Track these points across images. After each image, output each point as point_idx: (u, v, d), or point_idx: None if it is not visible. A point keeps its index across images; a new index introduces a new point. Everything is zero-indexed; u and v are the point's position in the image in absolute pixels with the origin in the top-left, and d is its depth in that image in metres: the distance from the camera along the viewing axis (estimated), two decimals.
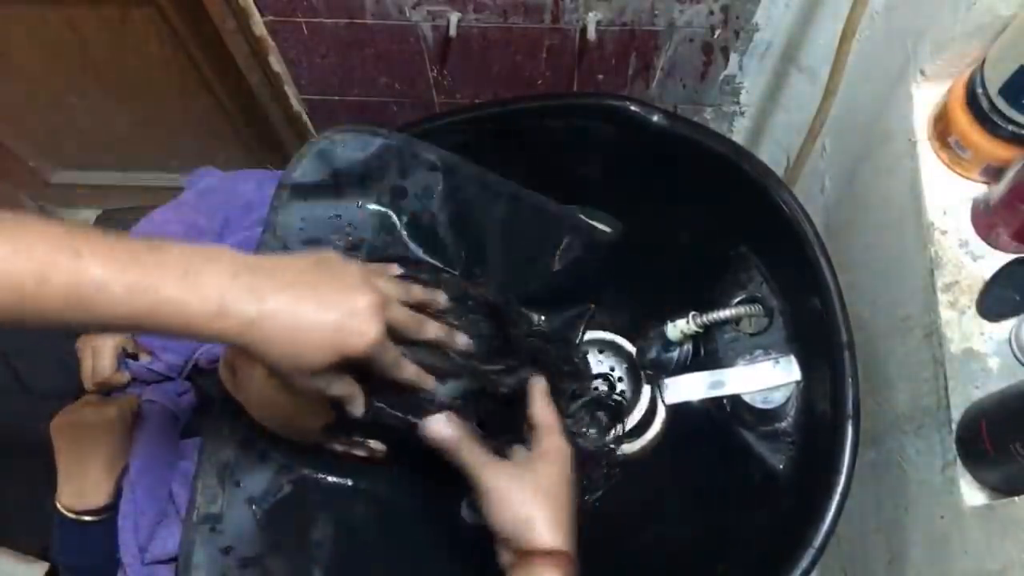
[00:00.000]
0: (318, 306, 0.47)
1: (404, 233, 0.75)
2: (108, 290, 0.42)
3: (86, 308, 0.42)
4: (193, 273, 0.44)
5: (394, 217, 0.75)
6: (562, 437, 0.60)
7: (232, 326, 0.45)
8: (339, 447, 0.66)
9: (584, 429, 0.81)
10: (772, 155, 1.12)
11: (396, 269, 0.61)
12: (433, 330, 0.57)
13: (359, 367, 0.51)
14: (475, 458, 0.57)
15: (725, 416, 0.81)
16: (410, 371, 0.55)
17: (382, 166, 0.72)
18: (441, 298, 0.60)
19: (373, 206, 0.74)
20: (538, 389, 0.64)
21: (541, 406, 0.62)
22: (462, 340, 0.59)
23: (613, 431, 0.83)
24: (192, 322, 0.44)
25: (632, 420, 0.85)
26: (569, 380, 0.79)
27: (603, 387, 0.86)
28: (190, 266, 0.44)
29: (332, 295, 0.48)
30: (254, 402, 0.62)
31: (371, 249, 0.74)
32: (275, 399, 0.61)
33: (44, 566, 0.85)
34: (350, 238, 0.73)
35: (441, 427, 0.57)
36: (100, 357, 0.76)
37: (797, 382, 0.77)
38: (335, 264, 0.50)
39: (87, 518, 0.69)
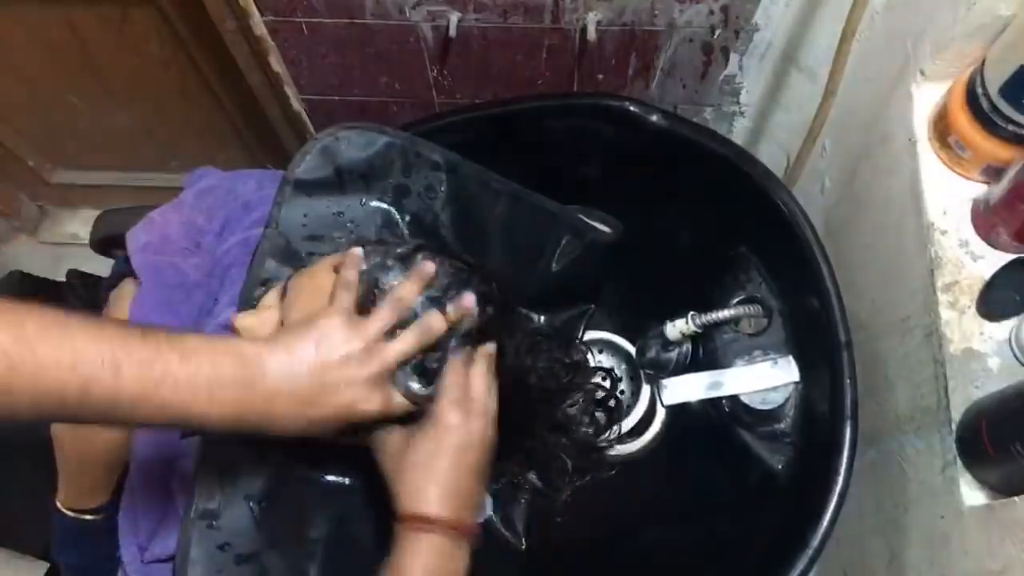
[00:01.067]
0: (324, 402, 0.52)
1: (406, 231, 0.75)
2: (141, 408, 0.46)
3: (119, 419, 0.46)
4: (218, 392, 0.48)
5: (396, 215, 0.75)
6: (451, 409, 0.56)
7: (251, 426, 0.51)
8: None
9: (583, 428, 0.81)
10: (772, 155, 1.12)
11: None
12: (436, 325, 0.57)
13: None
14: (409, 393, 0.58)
15: (724, 416, 0.81)
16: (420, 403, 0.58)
17: (386, 164, 0.72)
18: (428, 268, 0.58)
19: (376, 203, 0.74)
20: (480, 353, 0.60)
21: (450, 376, 0.58)
22: (467, 302, 0.58)
23: (612, 431, 0.83)
24: (212, 429, 0.50)
25: (631, 420, 0.85)
26: (567, 374, 0.79)
27: (603, 384, 0.86)
28: (214, 382, 0.48)
29: (333, 385, 0.52)
30: None
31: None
32: None
33: (44, 566, 0.85)
34: (352, 235, 0.73)
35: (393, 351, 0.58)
36: None
37: (796, 383, 0.78)
38: (332, 340, 0.53)
39: (87, 517, 0.69)
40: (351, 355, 0.52)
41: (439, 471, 0.55)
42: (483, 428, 0.57)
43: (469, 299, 0.58)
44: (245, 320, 0.62)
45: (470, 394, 0.58)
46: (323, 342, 0.52)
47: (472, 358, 0.59)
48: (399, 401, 0.56)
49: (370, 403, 0.53)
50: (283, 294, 0.63)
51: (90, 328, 0.45)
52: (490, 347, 0.61)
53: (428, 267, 0.58)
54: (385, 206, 0.75)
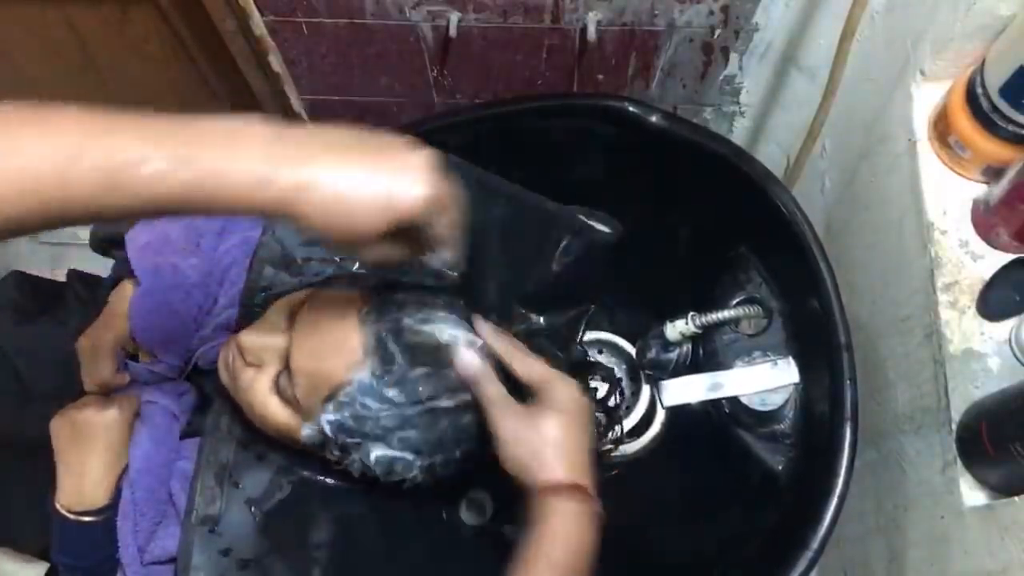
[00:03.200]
0: (366, 166, 0.44)
1: None
2: (147, 165, 0.39)
3: (123, 188, 0.39)
4: (233, 140, 0.41)
5: None
6: (564, 379, 0.59)
7: (275, 195, 0.42)
8: None
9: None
10: (772, 155, 1.12)
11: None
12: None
13: (410, 236, 0.48)
14: (493, 395, 0.57)
15: (724, 417, 0.81)
16: (459, 248, 0.52)
17: None
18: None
19: None
20: (505, 353, 0.61)
21: (521, 363, 0.60)
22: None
23: (612, 432, 0.83)
24: (235, 193, 0.41)
25: (631, 421, 0.85)
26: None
27: (602, 387, 0.86)
28: (229, 134, 0.41)
29: (379, 154, 0.45)
30: (254, 411, 0.63)
31: None
32: (275, 411, 0.61)
33: (44, 566, 0.85)
34: None
35: (470, 358, 0.58)
36: (101, 358, 0.76)
37: (796, 384, 0.77)
38: (380, 131, 0.47)
39: (87, 518, 0.69)
40: (399, 141, 0.46)
41: (575, 442, 0.56)
42: (585, 394, 0.60)
43: None
44: (249, 338, 0.62)
45: (551, 368, 0.60)
46: (367, 129, 0.47)
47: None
48: (450, 191, 0.48)
49: (419, 180, 0.45)
50: (291, 316, 0.62)
51: (79, 107, 0.40)
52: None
53: None
54: None
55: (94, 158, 0.38)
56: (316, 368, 0.58)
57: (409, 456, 0.60)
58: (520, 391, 0.60)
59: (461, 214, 0.50)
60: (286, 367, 0.60)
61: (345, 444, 0.60)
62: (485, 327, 0.62)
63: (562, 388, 0.59)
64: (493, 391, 0.58)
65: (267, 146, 0.42)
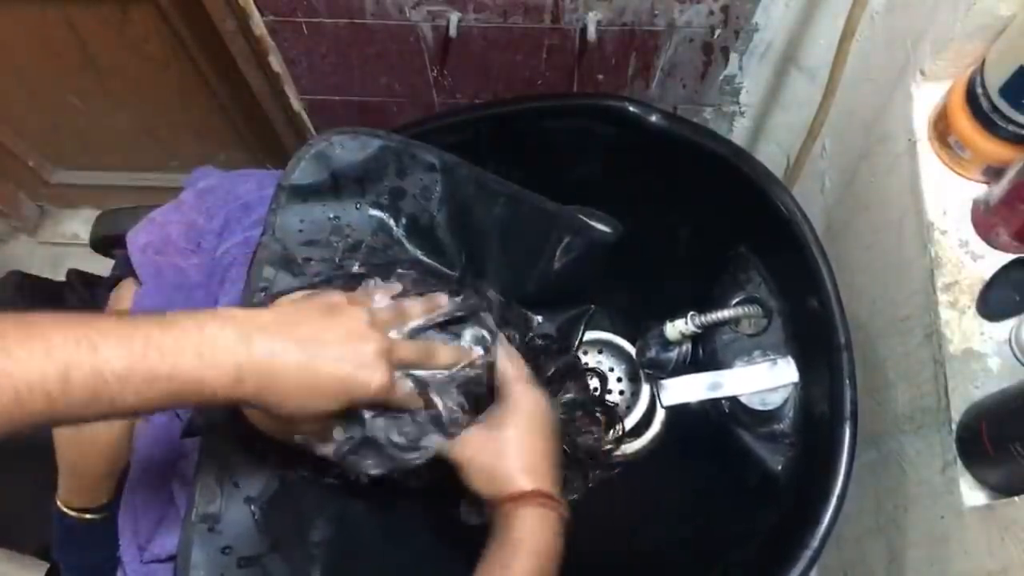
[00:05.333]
0: (328, 361, 0.49)
1: (403, 234, 0.75)
2: (129, 381, 0.43)
3: (108, 401, 0.42)
4: (208, 350, 0.45)
5: (392, 219, 0.75)
6: (527, 385, 0.60)
7: (250, 391, 0.47)
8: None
9: (583, 429, 0.80)
10: (772, 155, 1.12)
11: (396, 287, 0.61)
12: (444, 357, 0.58)
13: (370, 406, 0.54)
14: (443, 447, 0.58)
15: (724, 417, 0.81)
16: (418, 403, 0.57)
17: (380, 167, 0.72)
18: (442, 300, 0.60)
19: (371, 207, 0.74)
20: (502, 339, 0.63)
21: (502, 358, 0.61)
22: (475, 353, 0.60)
23: (612, 431, 0.83)
24: (211, 396, 0.46)
25: (631, 420, 0.85)
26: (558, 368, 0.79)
27: (597, 384, 0.86)
28: (203, 342, 0.45)
29: (340, 347, 0.50)
30: (253, 415, 0.63)
31: (369, 251, 0.74)
32: (272, 418, 0.61)
33: (44, 566, 0.85)
34: (349, 239, 0.73)
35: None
36: None
37: (795, 383, 0.77)
38: (342, 312, 0.52)
39: (87, 517, 0.69)
40: (357, 319, 0.52)
41: (536, 448, 0.57)
42: (546, 399, 0.61)
43: (476, 352, 0.60)
44: None
45: (524, 370, 0.61)
46: (328, 307, 0.52)
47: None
48: (404, 388, 0.55)
49: (375, 373, 0.51)
50: None
51: (58, 318, 0.43)
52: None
53: (441, 298, 0.60)
54: (380, 212, 0.75)
55: (80, 380, 0.41)
56: None
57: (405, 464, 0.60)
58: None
59: (409, 396, 0.56)
60: None
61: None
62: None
63: (524, 393, 0.59)
64: (503, 364, 0.60)
65: (240, 350, 0.46)
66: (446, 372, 0.58)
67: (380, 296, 0.59)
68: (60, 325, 0.42)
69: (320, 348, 0.49)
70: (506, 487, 0.55)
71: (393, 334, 0.56)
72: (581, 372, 0.85)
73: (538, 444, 0.58)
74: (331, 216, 0.72)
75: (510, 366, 0.61)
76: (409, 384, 0.56)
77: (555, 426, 0.60)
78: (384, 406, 0.55)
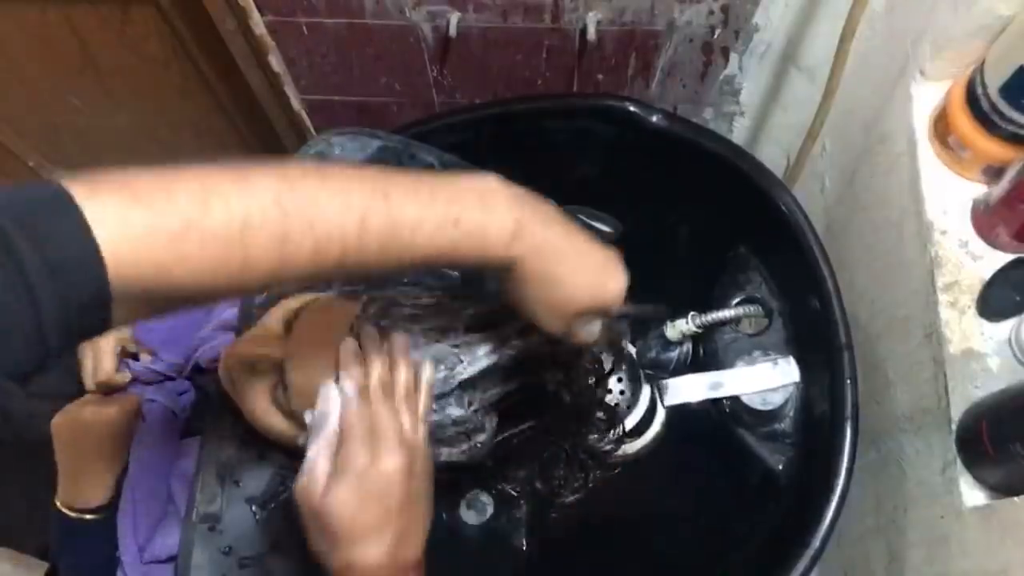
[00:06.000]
0: (586, 246, 0.50)
1: None
2: (420, 228, 0.43)
3: (400, 247, 0.43)
4: (488, 200, 0.46)
5: None
6: (358, 448, 0.51)
7: (526, 248, 0.47)
8: None
9: (590, 435, 0.80)
10: (772, 155, 1.12)
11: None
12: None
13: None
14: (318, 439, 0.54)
15: (724, 417, 0.81)
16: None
17: None
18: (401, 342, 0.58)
19: None
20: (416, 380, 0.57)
21: (356, 410, 0.53)
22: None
23: (613, 431, 0.83)
24: (492, 247, 0.46)
25: (632, 420, 0.85)
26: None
27: (595, 382, 0.86)
28: (486, 194, 0.46)
29: (591, 243, 0.51)
30: (254, 417, 0.63)
31: None
32: (272, 420, 0.61)
33: (44, 566, 0.85)
34: None
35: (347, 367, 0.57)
36: (101, 357, 0.76)
37: (796, 383, 0.77)
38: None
39: (87, 517, 0.69)
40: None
41: (371, 517, 0.50)
42: (399, 462, 0.51)
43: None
44: (246, 349, 0.63)
45: (377, 430, 0.52)
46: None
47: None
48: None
49: (622, 276, 0.53)
50: (289, 324, 0.63)
51: (349, 169, 0.43)
52: (428, 372, 0.57)
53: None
54: None
55: (379, 221, 0.42)
56: (310, 384, 0.58)
57: None
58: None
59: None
60: (282, 379, 0.60)
61: None
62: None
63: (361, 454, 0.51)
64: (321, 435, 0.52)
65: (515, 205, 0.47)
66: None
67: None
68: (356, 173, 0.42)
69: (578, 232, 0.50)
70: (349, 556, 0.50)
71: None
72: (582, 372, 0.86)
73: (390, 501, 0.51)
74: None
75: (356, 426, 0.52)
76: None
77: (407, 489, 0.52)
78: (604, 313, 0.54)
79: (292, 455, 0.67)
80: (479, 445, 0.64)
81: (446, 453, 0.62)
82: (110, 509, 0.69)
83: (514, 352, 0.62)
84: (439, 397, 0.59)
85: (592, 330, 0.55)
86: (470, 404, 0.61)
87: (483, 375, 0.61)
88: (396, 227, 0.42)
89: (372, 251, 0.42)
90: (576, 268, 0.50)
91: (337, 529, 0.49)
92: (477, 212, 0.45)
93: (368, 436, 0.51)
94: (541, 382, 0.68)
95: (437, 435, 0.60)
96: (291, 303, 0.66)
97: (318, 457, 0.51)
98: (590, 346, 0.57)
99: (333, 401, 0.53)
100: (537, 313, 0.52)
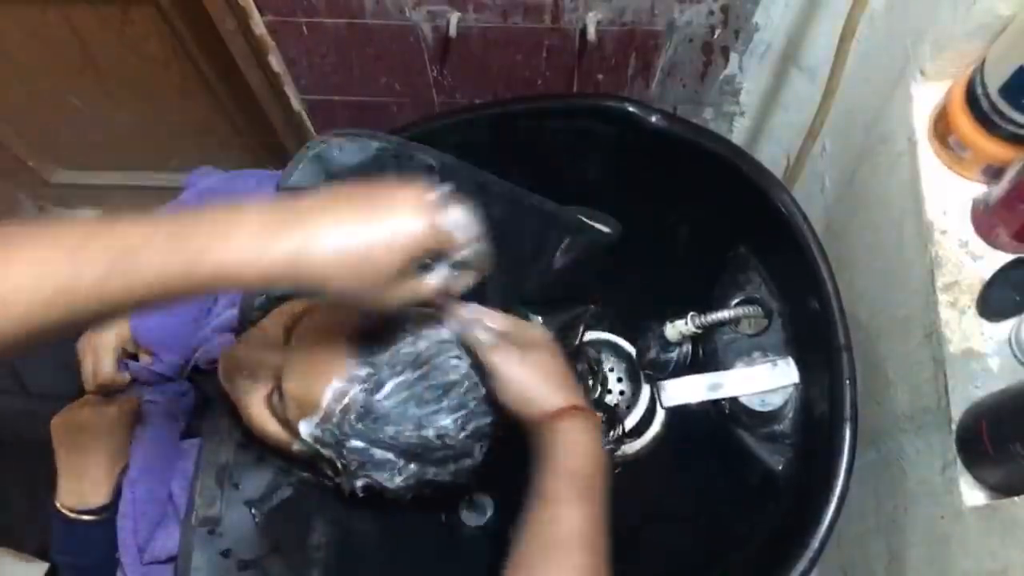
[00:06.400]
0: (360, 215, 0.45)
1: None
2: (147, 248, 0.40)
3: (127, 272, 0.40)
4: (224, 216, 0.42)
5: None
6: (538, 326, 0.64)
7: (280, 261, 0.42)
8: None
9: None
10: (772, 155, 1.12)
11: None
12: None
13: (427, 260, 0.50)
14: (487, 339, 0.60)
15: (724, 417, 0.81)
16: (484, 264, 0.53)
17: (378, 170, 0.72)
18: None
19: None
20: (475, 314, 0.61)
21: (491, 319, 0.62)
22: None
23: (613, 432, 0.83)
24: (238, 267, 0.42)
25: (632, 421, 0.85)
26: None
27: (594, 384, 0.86)
28: (222, 217, 0.43)
29: (371, 200, 0.46)
30: (251, 422, 0.63)
31: None
32: (268, 426, 0.61)
33: (44, 566, 0.85)
34: None
35: (462, 311, 0.60)
36: (101, 358, 0.76)
37: (795, 384, 0.77)
38: (365, 180, 0.48)
39: (86, 518, 0.69)
40: (390, 182, 0.48)
41: (562, 369, 0.61)
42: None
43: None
44: (245, 353, 0.63)
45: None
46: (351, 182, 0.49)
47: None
48: (453, 215, 0.49)
49: (415, 211, 0.46)
50: (288, 331, 0.63)
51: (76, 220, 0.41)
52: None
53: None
54: None
55: (98, 245, 0.40)
56: (305, 394, 0.58)
57: (399, 481, 0.61)
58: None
59: (475, 233, 0.51)
60: (279, 386, 0.60)
61: (333, 463, 0.61)
62: (452, 304, 0.61)
63: (533, 329, 0.64)
64: (486, 336, 0.60)
65: (259, 221, 0.43)
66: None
67: None
68: (75, 222, 0.41)
69: (347, 201, 0.45)
70: (550, 403, 0.58)
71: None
72: (581, 373, 0.86)
73: (562, 365, 0.62)
74: None
75: (502, 316, 0.62)
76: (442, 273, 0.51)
77: (560, 351, 0.63)
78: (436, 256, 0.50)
79: (289, 459, 0.67)
80: (465, 468, 0.64)
81: (432, 472, 0.62)
82: (110, 509, 0.69)
83: None
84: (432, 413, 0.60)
85: (415, 288, 0.49)
86: (463, 428, 0.61)
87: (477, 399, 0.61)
88: (118, 251, 0.40)
89: (96, 273, 0.39)
90: (354, 244, 0.44)
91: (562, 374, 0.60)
92: (213, 230, 0.42)
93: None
94: None
95: (424, 455, 0.61)
96: (294, 307, 0.66)
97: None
98: (438, 301, 0.56)
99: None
100: (351, 300, 0.48)
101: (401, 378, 0.58)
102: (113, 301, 0.41)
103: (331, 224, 0.44)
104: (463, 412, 0.60)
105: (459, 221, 0.49)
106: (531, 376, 0.59)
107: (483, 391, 0.61)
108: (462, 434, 0.60)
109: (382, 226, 0.45)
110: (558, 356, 0.62)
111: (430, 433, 0.59)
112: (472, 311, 0.61)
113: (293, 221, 0.43)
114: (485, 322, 0.61)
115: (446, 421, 0.59)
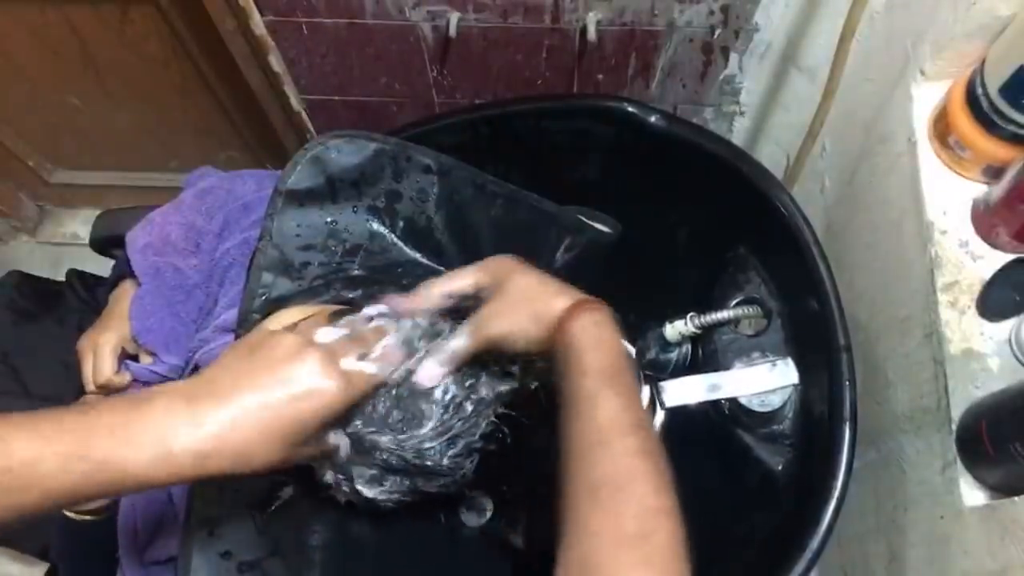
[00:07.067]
0: (264, 401, 0.46)
1: (400, 236, 0.75)
2: (41, 465, 0.41)
3: (24, 489, 0.41)
4: (121, 427, 0.43)
5: (389, 222, 0.75)
6: (494, 259, 0.59)
7: (186, 465, 0.44)
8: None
9: None
10: (772, 155, 1.12)
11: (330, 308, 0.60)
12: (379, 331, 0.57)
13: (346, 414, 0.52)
14: (464, 286, 0.59)
15: (723, 418, 0.81)
16: (392, 365, 0.56)
17: (376, 170, 0.72)
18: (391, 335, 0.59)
19: (368, 210, 0.74)
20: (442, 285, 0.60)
21: (459, 277, 0.60)
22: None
23: None
24: (140, 475, 0.43)
25: None
26: None
27: None
28: (117, 421, 0.43)
29: (273, 380, 0.47)
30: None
31: (367, 254, 0.74)
32: None
33: (44, 566, 0.85)
34: (346, 243, 0.73)
35: (425, 290, 0.59)
36: (101, 358, 0.76)
37: (795, 385, 0.77)
38: (267, 343, 0.49)
39: (87, 517, 0.69)
40: (288, 352, 0.49)
41: (547, 278, 0.57)
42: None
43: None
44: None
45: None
46: (255, 348, 0.50)
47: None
48: (359, 374, 0.53)
49: (329, 380, 0.48)
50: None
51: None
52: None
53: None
54: (377, 214, 0.74)
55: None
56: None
57: (394, 494, 0.61)
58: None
59: (357, 394, 0.52)
60: None
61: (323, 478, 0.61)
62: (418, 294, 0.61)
63: (498, 258, 0.60)
64: (461, 284, 0.59)
65: (160, 423, 0.44)
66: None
67: (327, 330, 0.56)
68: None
69: (250, 391, 0.46)
70: (552, 309, 0.55)
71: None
72: None
73: (545, 276, 0.58)
74: (328, 220, 0.72)
75: (464, 270, 0.60)
76: (369, 368, 0.54)
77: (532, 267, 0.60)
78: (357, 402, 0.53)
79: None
80: (457, 481, 0.64)
81: (421, 483, 0.62)
82: (110, 510, 0.69)
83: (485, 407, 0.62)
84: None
85: (312, 449, 0.53)
86: (449, 450, 0.60)
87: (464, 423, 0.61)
88: (11, 466, 0.40)
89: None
90: (263, 437, 0.46)
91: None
92: (107, 443, 0.42)
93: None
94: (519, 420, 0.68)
95: (411, 472, 0.60)
96: (291, 315, 0.66)
97: None
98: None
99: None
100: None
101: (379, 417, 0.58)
102: (16, 510, 0.41)
103: (232, 426, 0.45)
104: (447, 436, 0.60)
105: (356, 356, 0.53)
106: (518, 298, 0.56)
107: (468, 410, 0.60)
108: (449, 453, 0.60)
109: (282, 414, 0.47)
110: (533, 270, 0.58)
111: (414, 456, 0.59)
112: (408, 304, 0.59)
113: (192, 424, 0.44)
114: (454, 280, 0.59)
115: (430, 445, 0.59)
